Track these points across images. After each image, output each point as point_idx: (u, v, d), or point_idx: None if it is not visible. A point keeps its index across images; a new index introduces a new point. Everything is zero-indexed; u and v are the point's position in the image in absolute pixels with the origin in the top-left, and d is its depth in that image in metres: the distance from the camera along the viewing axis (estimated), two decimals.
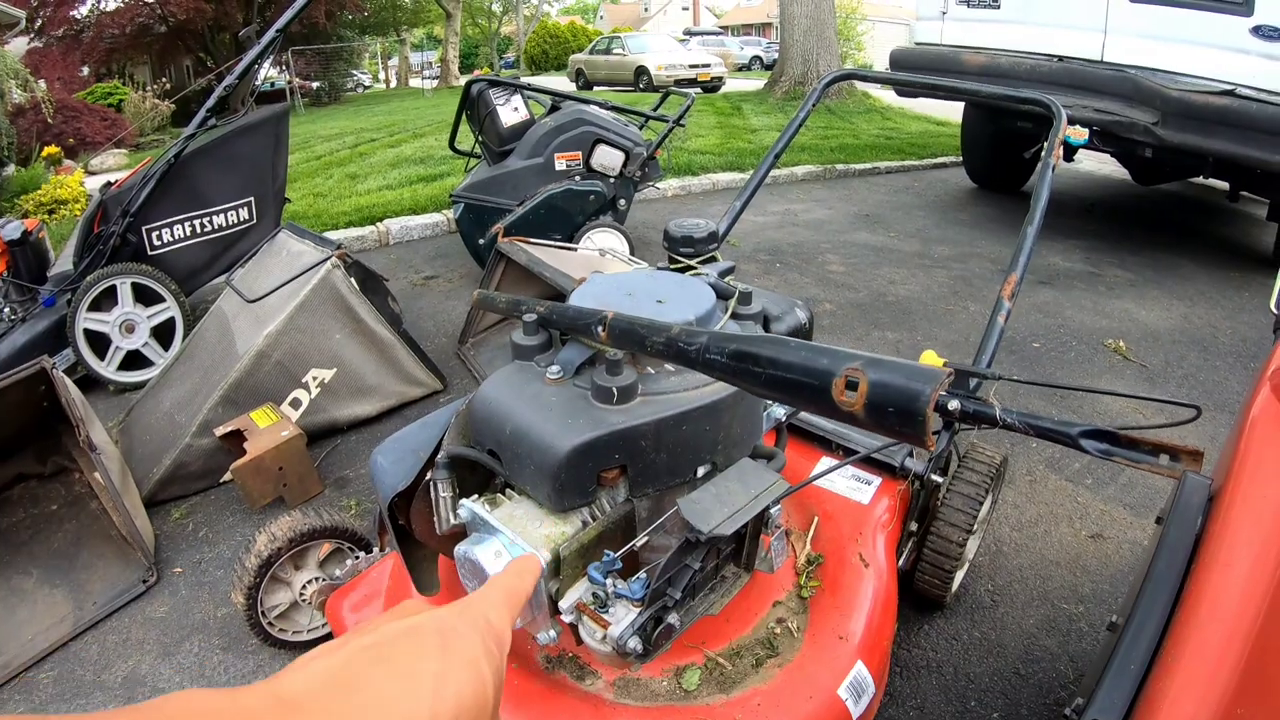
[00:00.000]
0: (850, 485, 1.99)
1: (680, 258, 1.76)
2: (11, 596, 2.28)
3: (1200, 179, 6.26)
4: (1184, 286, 4.82)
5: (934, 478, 1.93)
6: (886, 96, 12.56)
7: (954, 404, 1.71)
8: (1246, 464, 1.19)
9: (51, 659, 2.14)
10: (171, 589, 2.38)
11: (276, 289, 3.05)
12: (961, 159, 7.48)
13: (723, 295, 1.51)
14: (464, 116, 4.78)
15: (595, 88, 19.90)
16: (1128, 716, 0.98)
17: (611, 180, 4.49)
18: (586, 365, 1.36)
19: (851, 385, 0.80)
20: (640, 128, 4.84)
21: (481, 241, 4.33)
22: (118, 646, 2.18)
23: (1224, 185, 6.08)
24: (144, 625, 2.25)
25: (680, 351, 1.03)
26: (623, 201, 4.57)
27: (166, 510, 2.73)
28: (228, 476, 2.62)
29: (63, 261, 3.93)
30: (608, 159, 4.44)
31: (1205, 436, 3.05)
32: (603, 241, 4.37)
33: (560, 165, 4.39)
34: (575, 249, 3.56)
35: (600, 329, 1.24)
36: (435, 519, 1.43)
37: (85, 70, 18.19)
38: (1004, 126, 6.22)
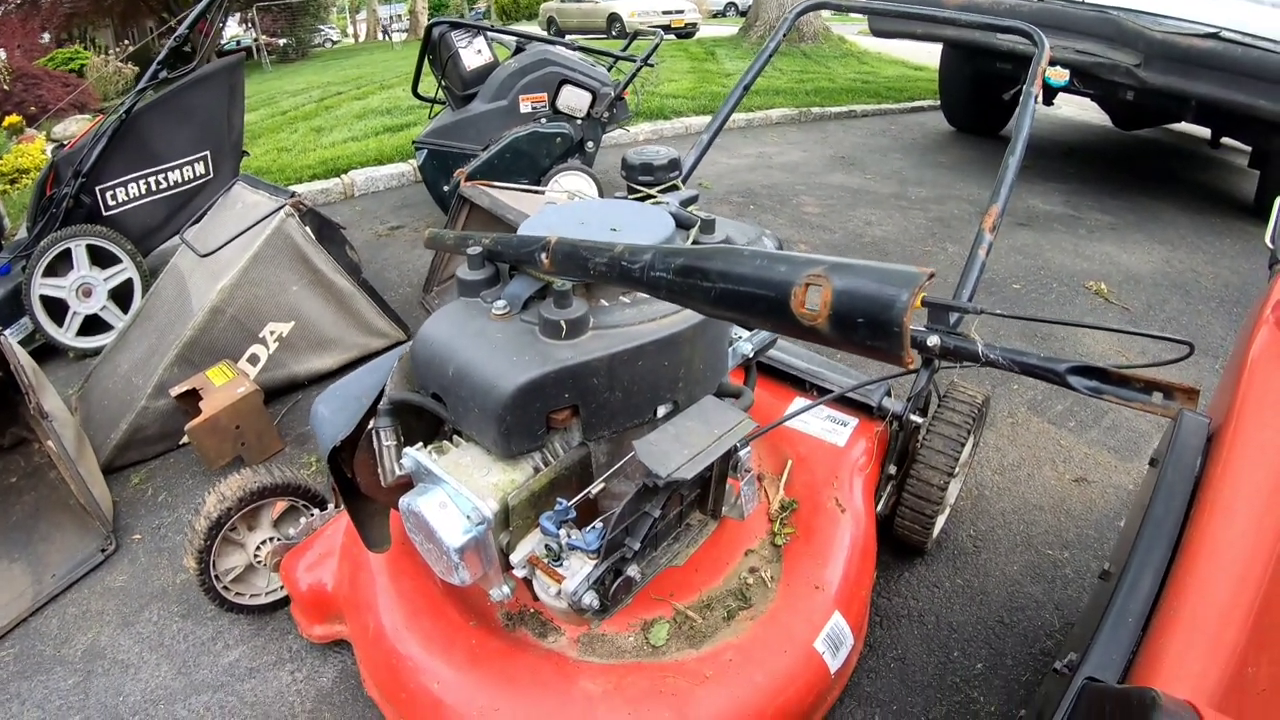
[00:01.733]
0: (825, 426, 1.91)
1: (639, 187, 1.64)
2: None
3: (1181, 124, 6.16)
4: (1165, 231, 4.75)
5: (913, 418, 1.85)
6: (863, 41, 12.33)
7: (933, 339, 1.63)
8: (1248, 402, 1.12)
9: (11, 636, 2.06)
10: (131, 557, 2.30)
11: (230, 241, 2.91)
12: (939, 102, 7.34)
13: (683, 224, 1.40)
14: (426, 61, 4.61)
15: (567, 36, 19.50)
16: (1126, 673, 0.90)
17: (578, 122, 4.34)
18: (535, 299, 1.26)
19: (814, 294, 0.70)
20: (609, 69, 4.69)
21: (446, 188, 4.19)
22: (77, 619, 2.11)
23: (1205, 132, 5.98)
24: (103, 595, 2.17)
25: (624, 271, 0.93)
26: (590, 144, 4.44)
27: (126, 476, 2.63)
28: (186, 439, 2.53)
29: (24, 231, 3.79)
30: (574, 100, 4.29)
31: (1190, 380, 2.98)
32: (571, 185, 4.25)
33: (525, 108, 4.24)
34: (542, 192, 3.43)
35: (544, 255, 1.14)
36: (379, 470, 1.34)
37: (46, 37, 17.59)
38: (982, 68, 6.08)
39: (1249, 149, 5.42)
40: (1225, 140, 6.08)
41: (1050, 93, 5.59)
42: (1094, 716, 0.82)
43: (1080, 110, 8.01)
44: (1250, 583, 0.91)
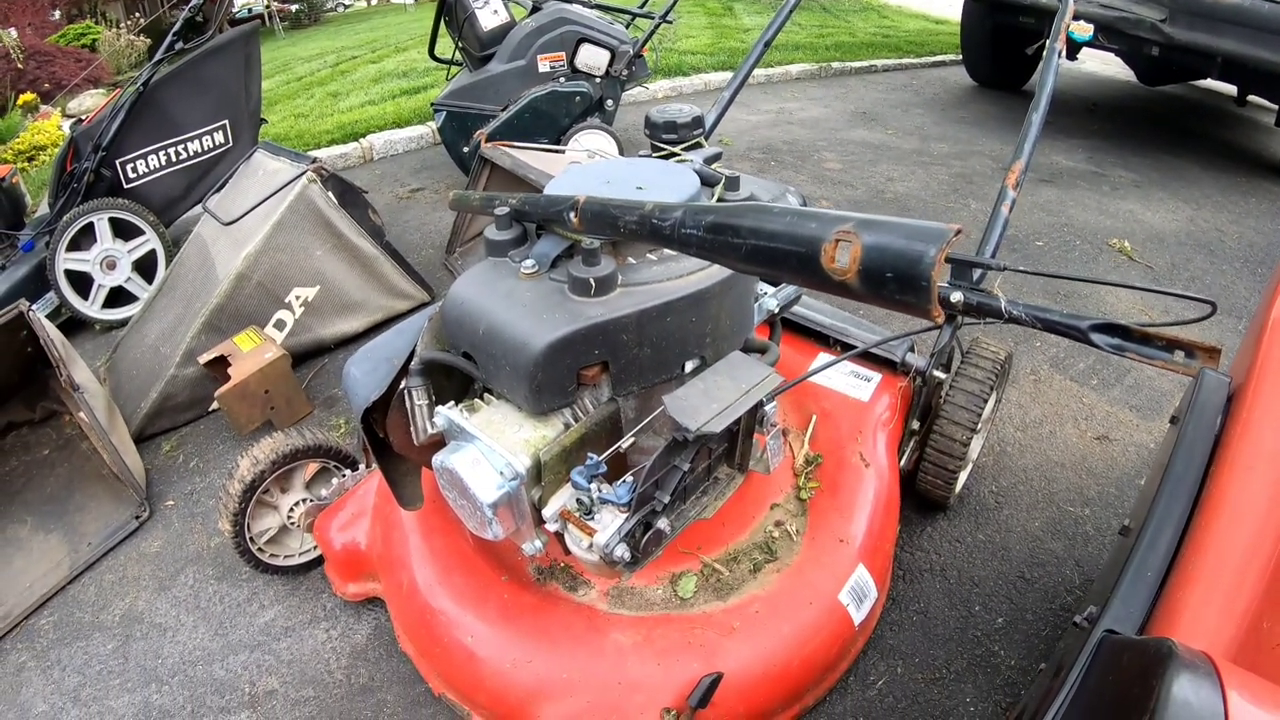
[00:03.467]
0: (849, 382, 1.92)
1: (663, 145, 1.65)
2: (8, 546, 2.25)
3: (1207, 81, 6.03)
4: (1189, 189, 4.67)
5: (936, 374, 1.86)
6: None
7: (957, 295, 1.63)
8: (1270, 362, 1.13)
9: (51, 604, 2.12)
10: (165, 523, 2.35)
11: (253, 209, 2.93)
12: (961, 57, 7.21)
13: (708, 181, 1.41)
14: (443, 23, 4.57)
15: None
16: (1144, 626, 0.92)
17: (597, 80, 4.29)
18: (563, 258, 1.27)
19: (844, 251, 0.71)
20: (626, 26, 4.63)
21: (466, 149, 4.18)
22: (114, 585, 2.15)
23: (1231, 89, 5.85)
24: (139, 561, 2.22)
25: (655, 229, 0.93)
26: (610, 102, 4.39)
27: (157, 444, 2.68)
28: (215, 405, 2.56)
29: (45, 207, 3.81)
30: (593, 58, 4.23)
31: (1212, 339, 2.96)
32: (591, 143, 4.21)
33: (544, 67, 4.19)
34: (563, 151, 3.41)
35: (572, 214, 1.14)
36: (412, 429, 1.36)
37: (56, 13, 17.50)
38: (1004, 22, 5.96)
39: (1276, 107, 5.30)
40: (1252, 98, 5.94)
41: (1074, 48, 5.46)
42: (1112, 667, 0.83)
43: (1103, 65, 7.84)
44: (1267, 540, 0.92)
